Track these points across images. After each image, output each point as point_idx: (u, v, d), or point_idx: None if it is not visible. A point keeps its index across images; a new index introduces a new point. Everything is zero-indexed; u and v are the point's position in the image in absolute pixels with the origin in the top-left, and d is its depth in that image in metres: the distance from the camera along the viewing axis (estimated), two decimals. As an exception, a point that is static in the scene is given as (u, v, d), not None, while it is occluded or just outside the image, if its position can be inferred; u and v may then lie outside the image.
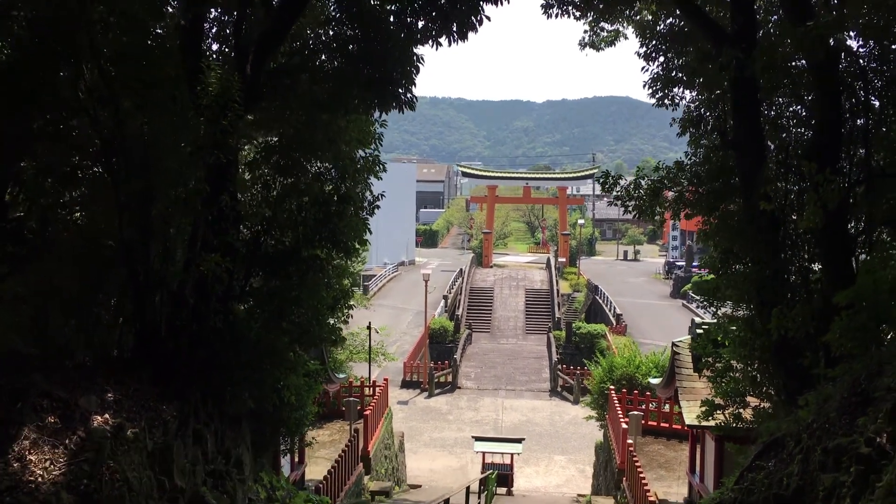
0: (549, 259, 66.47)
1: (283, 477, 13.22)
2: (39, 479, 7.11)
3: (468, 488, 19.90)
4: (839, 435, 7.26)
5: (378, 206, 12.87)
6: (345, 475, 17.80)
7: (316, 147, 11.96)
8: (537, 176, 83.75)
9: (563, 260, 70.08)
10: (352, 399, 21.18)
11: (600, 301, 54.16)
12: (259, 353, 10.99)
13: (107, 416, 8.41)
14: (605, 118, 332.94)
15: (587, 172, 74.92)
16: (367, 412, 20.94)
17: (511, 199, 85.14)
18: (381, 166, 13.23)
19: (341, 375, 20.73)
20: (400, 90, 11.52)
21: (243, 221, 11.43)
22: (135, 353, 10.34)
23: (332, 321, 12.27)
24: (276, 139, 12.53)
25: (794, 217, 11.20)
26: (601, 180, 13.22)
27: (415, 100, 11.71)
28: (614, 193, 13.10)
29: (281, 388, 11.67)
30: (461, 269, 60.85)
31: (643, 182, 12.94)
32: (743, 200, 11.89)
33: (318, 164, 12.62)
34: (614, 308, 49.55)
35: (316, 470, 18.75)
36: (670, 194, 13.18)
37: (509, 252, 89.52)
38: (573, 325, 45.21)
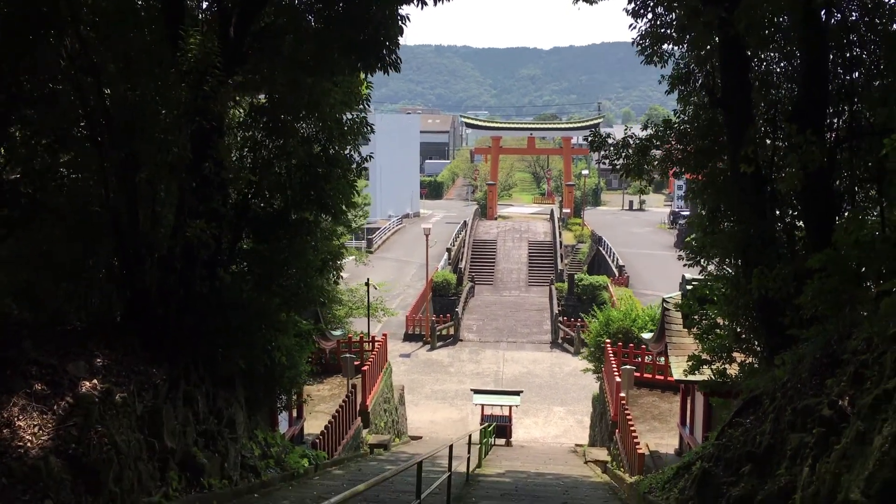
0: (552, 210, 66.38)
1: (278, 434, 13.54)
2: (28, 445, 7.32)
3: (469, 437, 20.29)
4: (808, 395, 7.41)
5: (366, 169, 12.91)
6: (342, 429, 18.18)
7: (301, 109, 11.94)
8: (542, 126, 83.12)
9: (568, 211, 69.94)
10: (348, 355, 21.50)
11: (603, 252, 54.24)
12: (248, 315, 11.17)
13: (95, 381, 8.61)
14: (613, 65, 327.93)
15: (593, 122, 74.27)
16: (365, 368, 21.27)
17: (515, 150, 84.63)
18: (369, 128, 13.23)
19: (337, 332, 20.99)
20: (384, 52, 11.42)
21: (231, 185, 11.47)
22: (125, 318, 10.53)
23: (320, 282, 12.37)
24: (264, 100, 12.50)
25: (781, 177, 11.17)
26: (589, 140, 13.19)
27: (399, 61, 11.62)
28: (602, 153, 13.07)
29: (271, 349, 11.87)
30: (465, 222, 60.89)
31: (631, 141, 12.89)
32: (729, 159, 11.85)
33: (305, 127, 12.64)
34: (617, 259, 49.66)
35: (315, 424, 19.13)
36: (658, 153, 13.15)
37: (514, 203, 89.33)
38: (575, 277, 45.39)
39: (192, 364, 10.77)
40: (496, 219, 69.05)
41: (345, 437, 18.20)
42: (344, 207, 12.44)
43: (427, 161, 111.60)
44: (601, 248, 55.21)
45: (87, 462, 7.73)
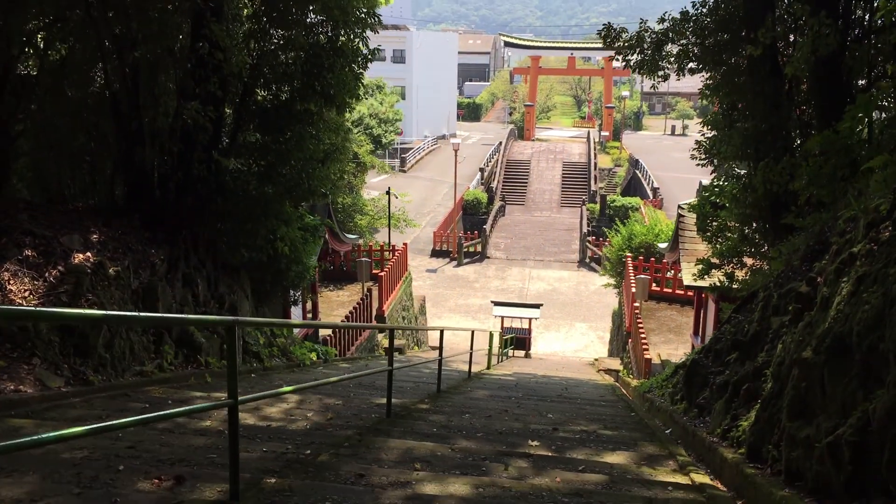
0: (589, 133, 65.12)
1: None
2: (18, 307, 7.53)
3: (490, 350, 20.52)
4: (796, 280, 7.24)
5: (371, 60, 12.62)
6: (357, 331, 18.45)
7: (305, -5, 11.65)
8: (583, 45, 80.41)
9: (607, 134, 68.53)
10: (363, 259, 21.66)
11: (640, 175, 53.31)
12: (248, 202, 11.22)
13: (89, 254, 8.78)
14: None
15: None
16: (382, 274, 21.43)
17: (554, 70, 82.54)
18: (377, 18, 12.90)
19: (352, 236, 21.09)
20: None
21: (232, 74, 11.36)
22: (126, 200, 10.68)
23: (323, 174, 12.32)
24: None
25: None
26: (603, 33, 12.69)
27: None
28: (615, 45, 12.59)
29: (274, 238, 11.94)
30: (500, 143, 60.16)
31: (647, 35, 12.37)
32: (748, 53, 11.33)
33: (312, 16, 12.39)
34: (652, 182, 48.81)
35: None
36: (675, 49, 12.61)
37: (553, 126, 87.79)
38: (608, 198, 44.79)
39: (193, 247, 10.92)
40: (532, 140, 68.04)
41: (359, 338, 18.48)
42: (348, 99, 12.23)
43: (466, 83, 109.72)
44: (637, 172, 54.26)
45: (77, 326, 7.96)
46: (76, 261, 8.55)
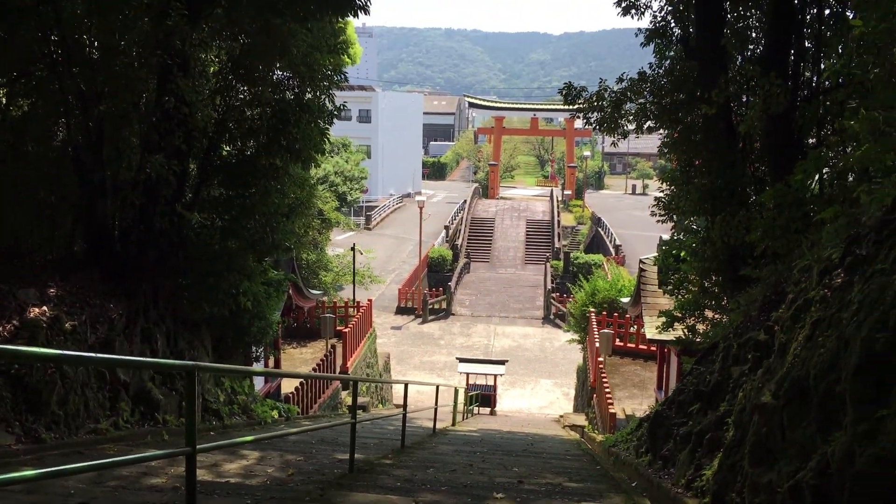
0: (552, 191, 66.15)
1: (247, 383, 13.52)
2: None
3: (454, 407, 20.31)
4: (754, 330, 7.36)
5: (337, 116, 12.79)
6: (320, 389, 18.18)
7: (272, 54, 11.82)
8: (546, 107, 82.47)
9: (569, 192, 69.66)
10: (327, 315, 21.49)
11: (602, 233, 54.06)
12: (211, 256, 11.13)
13: (45, 308, 8.59)
14: (623, 51, 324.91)
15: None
16: (347, 330, 21.26)
17: (518, 130, 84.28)
18: (343, 75, 13.14)
19: (316, 292, 20.96)
20: (354, -7, 11.28)
21: (197, 129, 11.39)
22: (85, 252, 10.52)
23: (288, 228, 12.31)
24: (237, 47, 12.41)
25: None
26: (564, 92, 13.04)
27: (369, 3, 11.48)
28: (576, 104, 12.93)
29: (237, 293, 11.82)
30: (465, 201, 60.73)
31: (606, 94, 12.74)
32: (702, 112, 11.72)
33: (279, 73, 12.57)
34: (614, 239, 49.51)
35: (294, 384, 19.12)
36: (634, 107, 12.99)
37: (517, 185, 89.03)
38: (571, 255, 45.27)
39: (153, 302, 10.75)
40: (496, 198, 68.82)
41: (322, 395, 18.19)
42: (314, 153, 12.33)
43: (431, 142, 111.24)
44: (600, 229, 55.05)
45: (30, 382, 7.73)
46: (32, 315, 8.36)
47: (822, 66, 10.08)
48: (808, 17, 10.53)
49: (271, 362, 17.99)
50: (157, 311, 10.80)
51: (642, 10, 12.77)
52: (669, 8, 12.81)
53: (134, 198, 10.30)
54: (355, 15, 11.71)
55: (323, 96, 12.82)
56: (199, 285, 11.57)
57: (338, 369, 20.32)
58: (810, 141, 9.83)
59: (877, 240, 4.27)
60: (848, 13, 10.01)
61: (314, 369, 17.75)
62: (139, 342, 10.18)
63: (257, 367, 16.10)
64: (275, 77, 12.46)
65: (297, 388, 16.41)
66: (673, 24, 12.77)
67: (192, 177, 11.71)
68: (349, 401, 20.53)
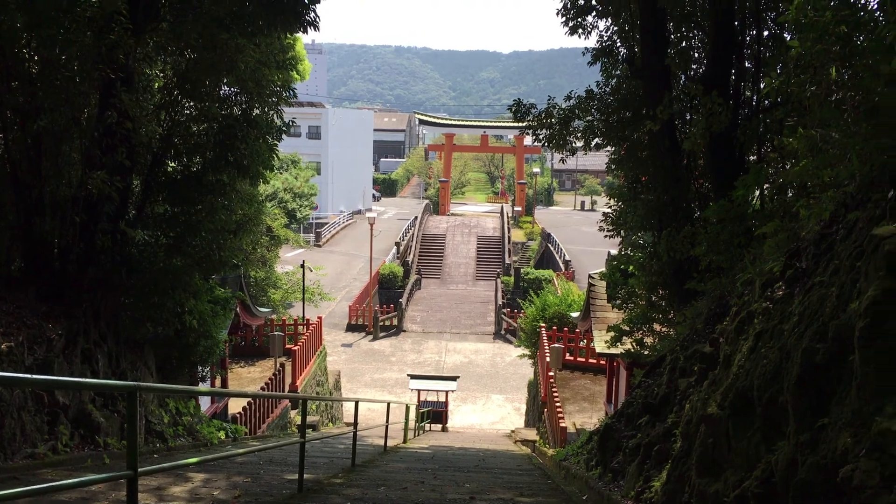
0: (502, 207, 66.65)
1: (192, 404, 13.19)
2: None
3: (406, 424, 20.17)
4: (700, 342, 7.48)
5: (286, 132, 12.68)
6: (268, 408, 17.87)
7: (219, 69, 11.67)
8: (496, 124, 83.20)
9: (520, 209, 70.26)
10: (276, 334, 21.19)
11: (552, 249, 54.59)
12: (155, 274, 10.87)
13: (-22, 329, 8.28)
14: (573, 69, 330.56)
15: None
16: (296, 348, 20.98)
17: (468, 147, 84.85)
18: (292, 92, 13.04)
19: (265, 310, 20.66)
20: (301, 8, 11.22)
21: (142, 144, 11.16)
22: (23, 272, 10.17)
23: (236, 245, 12.12)
24: (182, 62, 12.23)
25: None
26: (513, 109, 13.17)
27: (318, 19, 11.44)
28: (525, 120, 13.08)
29: (182, 312, 11.56)
30: (415, 217, 60.76)
31: (554, 111, 12.91)
32: (648, 129, 11.96)
33: (226, 88, 12.43)
34: (564, 254, 50.04)
35: (242, 404, 18.76)
36: (582, 124, 13.20)
37: (467, 202, 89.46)
38: (522, 270, 45.58)
39: (94, 321, 10.43)
40: (447, 215, 69.03)
41: (270, 415, 17.88)
42: (262, 170, 12.18)
43: (382, 159, 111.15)
44: (550, 245, 55.58)
45: (-39, 406, 7.42)
46: (-36, 336, 8.04)
47: (762, 86, 10.38)
48: (747, 37, 10.84)
49: (218, 382, 17.62)
50: (98, 331, 10.49)
51: (589, 30, 13.01)
52: (615, 28, 13.08)
53: (74, 215, 10.02)
54: (305, 31, 11.64)
55: (271, 112, 12.72)
56: (143, 304, 11.30)
57: (287, 388, 20.02)
58: (751, 158, 10.09)
59: (816, 253, 4.38)
60: (786, 34, 10.36)
61: (262, 388, 17.45)
62: (79, 363, 9.86)
63: (203, 386, 15.76)
64: (222, 92, 12.32)
65: (244, 408, 16.09)
66: (619, 44, 13.04)
67: (135, 193, 11.45)
68: (298, 420, 20.18)
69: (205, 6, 11.59)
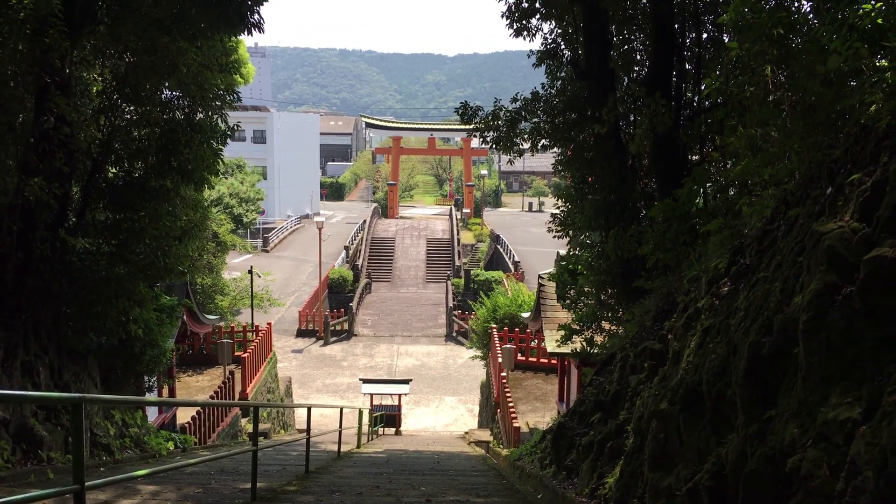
0: (451, 209, 66.78)
1: (139, 415, 12.88)
2: None
3: (359, 428, 20.04)
4: (649, 340, 7.60)
5: (230, 136, 12.48)
6: (218, 417, 17.57)
7: (160, 73, 11.43)
8: (442, 127, 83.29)
9: (468, 211, 70.48)
10: (224, 341, 20.85)
11: (501, 250, 54.90)
12: (97, 283, 10.59)
13: None
14: (517, 72, 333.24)
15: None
16: (245, 355, 20.67)
17: (415, 150, 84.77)
18: (236, 95, 12.85)
19: (213, 317, 20.32)
20: (245, 9, 11.05)
21: (80, 150, 10.86)
22: (-43, 283, 9.80)
23: (181, 251, 11.88)
24: (122, 66, 11.94)
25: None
26: (459, 112, 13.22)
27: (262, 21, 11.29)
28: (472, 122, 13.13)
29: (126, 321, 11.28)
30: (364, 221, 60.47)
31: (501, 113, 13.00)
32: (595, 130, 12.12)
33: (168, 92, 12.18)
34: (513, 256, 50.39)
35: (191, 414, 18.41)
36: (529, 126, 13.30)
37: (416, 205, 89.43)
38: (472, 272, 45.75)
39: (34, 333, 10.11)
40: (396, 218, 68.88)
41: (220, 424, 17.58)
42: (207, 175, 11.97)
43: (329, 163, 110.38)
44: (499, 247, 55.89)
45: None
46: None
47: (703, 87, 10.63)
48: (687, 40, 11.09)
49: (165, 391, 17.24)
50: (38, 342, 10.17)
51: (534, 32, 13.13)
52: (559, 31, 13.23)
53: (11, 223, 9.68)
54: (250, 32, 11.46)
55: (215, 116, 12.51)
56: (85, 314, 10.98)
57: (237, 396, 19.70)
58: (694, 157, 10.32)
59: (759, 249, 4.49)
60: (724, 36, 10.63)
61: (212, 397, 17.14)
62: (19, 376, 9.54)
63: (150, 396, 15.41)
64: (164, 96, 12.08)
65: (193, 418, 15.78)
66: (563, 47, 13.19)
67: (75, 200, 11.15)
68: (250, 428, 19.91)
69: (144, 8, 11.34)
